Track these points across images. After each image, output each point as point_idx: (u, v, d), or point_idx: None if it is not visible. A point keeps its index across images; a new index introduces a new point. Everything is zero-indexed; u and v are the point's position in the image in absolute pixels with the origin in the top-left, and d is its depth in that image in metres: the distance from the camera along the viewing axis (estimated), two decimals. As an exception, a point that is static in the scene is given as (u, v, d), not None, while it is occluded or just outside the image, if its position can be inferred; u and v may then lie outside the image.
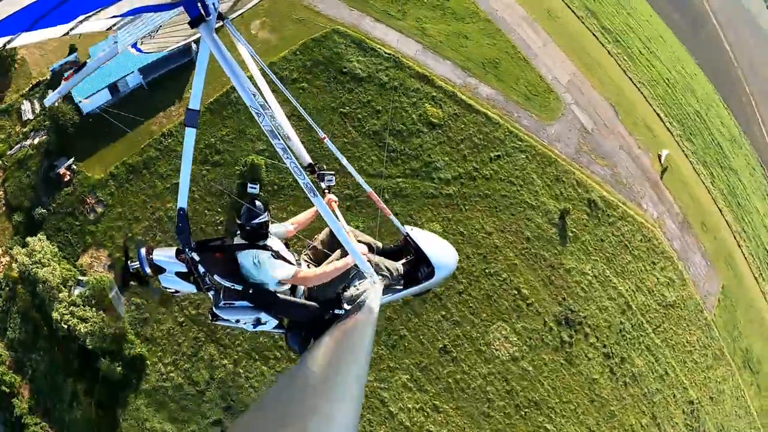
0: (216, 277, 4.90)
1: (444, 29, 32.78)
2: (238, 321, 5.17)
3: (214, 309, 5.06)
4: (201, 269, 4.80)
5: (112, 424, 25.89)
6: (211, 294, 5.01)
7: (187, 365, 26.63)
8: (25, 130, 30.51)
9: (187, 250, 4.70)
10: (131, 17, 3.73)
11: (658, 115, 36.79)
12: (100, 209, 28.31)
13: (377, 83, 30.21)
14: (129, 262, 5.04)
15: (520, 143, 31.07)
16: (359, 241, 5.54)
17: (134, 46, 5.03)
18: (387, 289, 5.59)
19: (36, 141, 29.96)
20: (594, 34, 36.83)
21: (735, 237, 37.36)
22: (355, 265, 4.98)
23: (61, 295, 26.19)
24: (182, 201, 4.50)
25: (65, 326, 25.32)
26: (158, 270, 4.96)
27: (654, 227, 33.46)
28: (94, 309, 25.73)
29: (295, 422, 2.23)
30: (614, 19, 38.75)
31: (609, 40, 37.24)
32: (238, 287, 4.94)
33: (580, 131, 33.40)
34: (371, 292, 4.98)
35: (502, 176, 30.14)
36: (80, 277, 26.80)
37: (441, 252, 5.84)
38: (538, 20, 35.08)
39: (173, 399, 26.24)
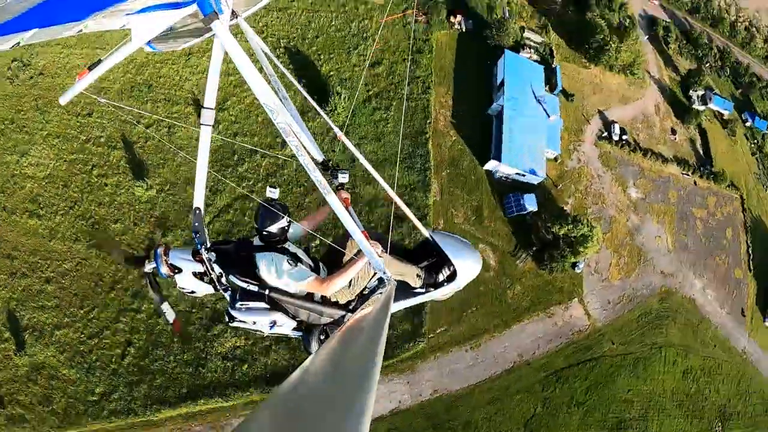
0: (232, 278, 4.85)
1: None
2: (254, 323, 5.07)
3: (230, 310, 4.99)
4: (217, 270, 4.81)
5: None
6: (227, 295, 4.98)
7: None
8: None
9: (203, 250, 4.73)
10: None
11: None
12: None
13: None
14: (146, 261, 4.98)
15: None
16: (374, 241, 5.18)
17: (149, 44, 4.85)
18: (407, 292, 5.38)
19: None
20: None
21: None
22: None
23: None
24: (198, 200, 4.57)
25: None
26: (175, 270, 4.93)
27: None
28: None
29: (306, 418, 2.24)
30: None
31: None
32: (255, 288, 4.84)
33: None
34: (386, 291, 4.83)
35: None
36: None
37: (464, 255, 5.55)
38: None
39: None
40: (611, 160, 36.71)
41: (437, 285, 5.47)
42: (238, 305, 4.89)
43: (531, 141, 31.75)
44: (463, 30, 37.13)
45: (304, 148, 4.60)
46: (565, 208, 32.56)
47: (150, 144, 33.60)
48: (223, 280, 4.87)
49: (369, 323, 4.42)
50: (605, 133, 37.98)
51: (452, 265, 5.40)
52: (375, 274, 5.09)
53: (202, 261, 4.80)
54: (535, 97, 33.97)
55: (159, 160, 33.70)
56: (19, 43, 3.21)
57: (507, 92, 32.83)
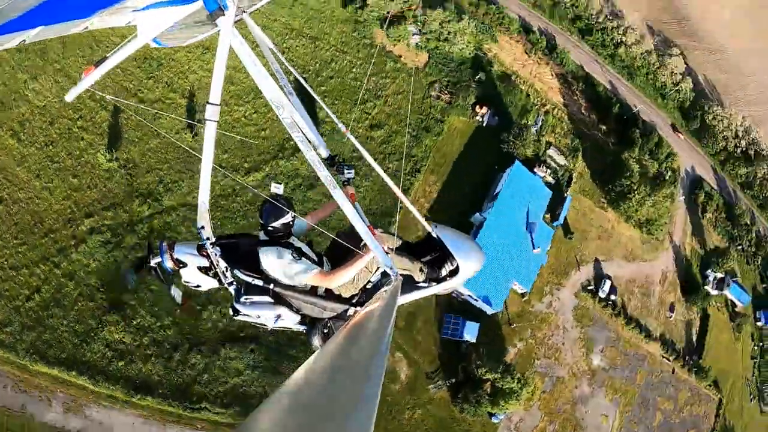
0: (237, 272, 4.94)
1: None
2: (259, 317, 5.14)
3: (235, 304, 5.06)
4: (222, 264, 4.85)
5: None
6: (232, 289, 5.02)
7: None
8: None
9: (208, 244, 4.75)
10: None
11: None
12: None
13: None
14: (150, 256, 4.99)
15: None
16: (379, 235, 5.23)
17: (154, 39, 4.78)
18: (409, 287, 5.41)
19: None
20: None
21: None
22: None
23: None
24: (203, 195, 4.57)
25: None
26: (180, 265, 4.96)
27: None
28: None
29: (312, 414, 2.35)
30: None
31: None
32: (259, 283, 4.94)
33: None
34: (392, 286, 4.93)
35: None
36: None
37: (467, 251, 5.64)
38: None
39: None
40: (586, 317, 33.29)
41: (440, 279, 5.54)
42: (242, 299, 4.98)
43: (500, 268, 28.89)
44: (484, 124, 34.70)
45: (310, 143, 4.70)
46: (509, 350, 29.41)
47: (134, 119, 33.09)
48: (228, 274, 4.90)
49: (376, 319, 4.53)
50: (592, 286, 34.58)
51: (455, 260, 5.46)
52: (378, 268, 5.11)
53: (207, 255, 4.82)
54: (527, 222, 31.16)
55: (135, 137, 33.24)
56: (24, 40, 3.21)
57: (497, 206, 30.15)
